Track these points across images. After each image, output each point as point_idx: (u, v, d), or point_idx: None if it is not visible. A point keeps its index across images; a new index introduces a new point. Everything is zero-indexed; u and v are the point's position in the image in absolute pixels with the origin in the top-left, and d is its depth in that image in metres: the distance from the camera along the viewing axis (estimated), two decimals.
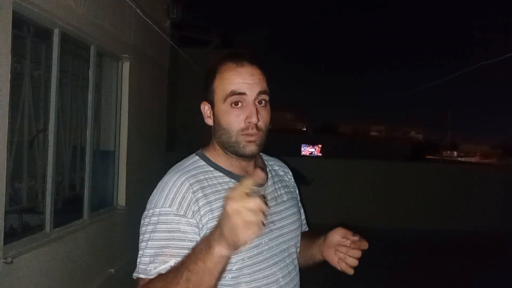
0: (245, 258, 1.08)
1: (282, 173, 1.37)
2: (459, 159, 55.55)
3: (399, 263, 5.70)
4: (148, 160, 5.04)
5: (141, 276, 1.03)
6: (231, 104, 1.11)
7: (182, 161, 1.19)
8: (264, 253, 1.12)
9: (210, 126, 1.20)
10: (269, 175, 1.28)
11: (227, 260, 0.91)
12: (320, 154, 24.10)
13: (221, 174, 1.16)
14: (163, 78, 5.87)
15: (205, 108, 1.18)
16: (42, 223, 2.95)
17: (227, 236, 0.85)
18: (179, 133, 11.91)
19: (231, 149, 1.15)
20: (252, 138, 1.12)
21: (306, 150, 24.69)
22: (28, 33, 2.83)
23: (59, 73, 3.06)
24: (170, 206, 1.06)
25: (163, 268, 1.00)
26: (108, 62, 4.14)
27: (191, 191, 1.08)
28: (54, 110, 3.00)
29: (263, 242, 1.12)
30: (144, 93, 4.84)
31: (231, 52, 1.20)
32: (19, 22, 2.61)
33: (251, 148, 1.13)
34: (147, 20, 4.54)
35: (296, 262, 1.25)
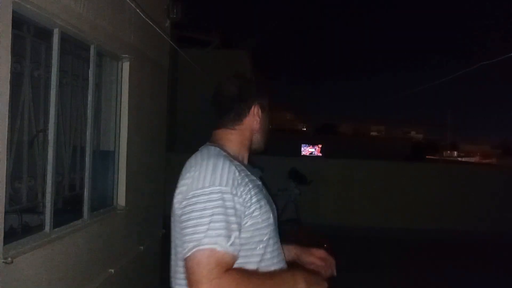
0: (271, 231, 1.34)
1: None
2: (459, 159, 55.54)
3: (399, 263, 5.70)
4: (148, 160, 5.03)
5: (215, 247, 1.15)
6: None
7: (207, 150, 1.38)
8: (275, 227, 1.39)
9: (222, 124, 1.47)
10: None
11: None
12: (320, 154, 24.10)
13: (238, 163, 1.38)
14: (163, 78, 5.86)
15: (256, 110, 1.48)
16: (42, 223, 2.94)
17: None
18: (179, 133, 11.91)
19: (260, 145, 1.51)
20: None
21: (306, 150, 24.67)
22: (28, 33, 2.83)
23: (59, 73, 3.06)
24: (226, 185, 1.23)
25: (231, 243, 1.18)
26: (108, 62, 4.14)
27: (237, 173, 1.29)
28: (54, 110, 2.99)
29: (272, 217, 1.37)
30: (144, 93, 4.84)
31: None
32: (19, 22, 2.61)
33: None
34: (147, 20, 4.53)
35: None
